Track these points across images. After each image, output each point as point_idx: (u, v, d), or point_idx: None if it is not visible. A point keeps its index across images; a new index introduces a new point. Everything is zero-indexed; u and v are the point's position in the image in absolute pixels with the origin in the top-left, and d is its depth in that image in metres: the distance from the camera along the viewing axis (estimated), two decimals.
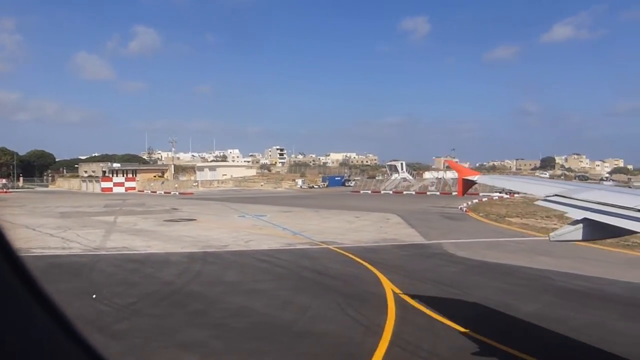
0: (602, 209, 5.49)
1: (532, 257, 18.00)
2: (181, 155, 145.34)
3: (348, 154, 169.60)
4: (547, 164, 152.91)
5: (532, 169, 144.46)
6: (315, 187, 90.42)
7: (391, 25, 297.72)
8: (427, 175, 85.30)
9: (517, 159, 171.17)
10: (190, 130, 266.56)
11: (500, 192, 62.90)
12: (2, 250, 1.21)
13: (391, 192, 72.78)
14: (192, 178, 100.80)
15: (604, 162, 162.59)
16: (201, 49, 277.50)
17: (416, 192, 70.46)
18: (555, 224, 29.05)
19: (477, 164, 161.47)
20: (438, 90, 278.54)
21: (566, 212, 5.97)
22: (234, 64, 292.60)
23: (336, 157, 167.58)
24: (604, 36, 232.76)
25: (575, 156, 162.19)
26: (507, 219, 32.31)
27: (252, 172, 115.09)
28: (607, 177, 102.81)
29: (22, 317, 1.18)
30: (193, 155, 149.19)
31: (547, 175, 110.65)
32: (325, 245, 20.69)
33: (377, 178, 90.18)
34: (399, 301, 11.66)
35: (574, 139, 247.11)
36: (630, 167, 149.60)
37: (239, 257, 18.15)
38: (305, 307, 11.26)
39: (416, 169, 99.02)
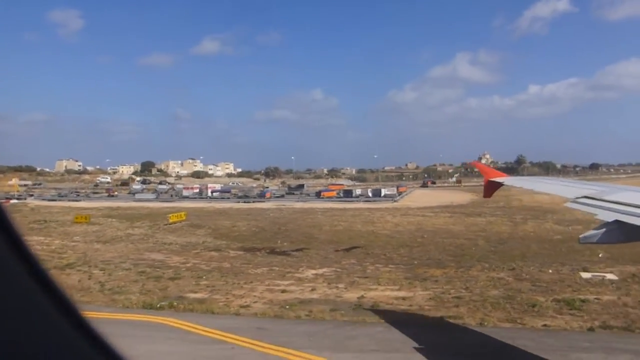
0: (635, 212, 5.21)
1: None
2: None
3: None
4: (145, 168, 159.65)
5: (132, 174, 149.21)
6: None
7: (40, 14, 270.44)
8: None
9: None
10: None
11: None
12: (17, 249, 1.16)
13: None
14: None
15: (216, 165, 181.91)
16: None
17: None
18: None
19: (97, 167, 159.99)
20: (89, 89, 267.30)
21: (596, 215, 5.70)
22: None
23: None
24: (245, 53, 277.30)
25: (191, 160, 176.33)
26: None
27: None
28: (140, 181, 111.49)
29: (37, 318, 1.14)
30: None
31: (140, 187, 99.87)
32: None
33: None
34: None
35: (221, 144, 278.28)
36: (239, 169, 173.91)
37: None
38: None
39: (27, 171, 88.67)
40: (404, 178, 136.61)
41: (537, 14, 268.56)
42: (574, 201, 6.70)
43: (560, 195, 7.42)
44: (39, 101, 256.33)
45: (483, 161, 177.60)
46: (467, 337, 11.86)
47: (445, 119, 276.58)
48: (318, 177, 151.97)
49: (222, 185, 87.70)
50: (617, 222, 5.31)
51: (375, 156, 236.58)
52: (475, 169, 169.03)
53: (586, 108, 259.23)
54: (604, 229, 5.39)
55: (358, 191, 69.10)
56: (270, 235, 32.95)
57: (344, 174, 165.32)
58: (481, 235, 31.37)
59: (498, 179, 10.19)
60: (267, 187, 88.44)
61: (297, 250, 26.99)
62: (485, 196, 11.04)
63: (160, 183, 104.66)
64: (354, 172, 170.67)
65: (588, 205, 6.28)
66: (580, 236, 5.73)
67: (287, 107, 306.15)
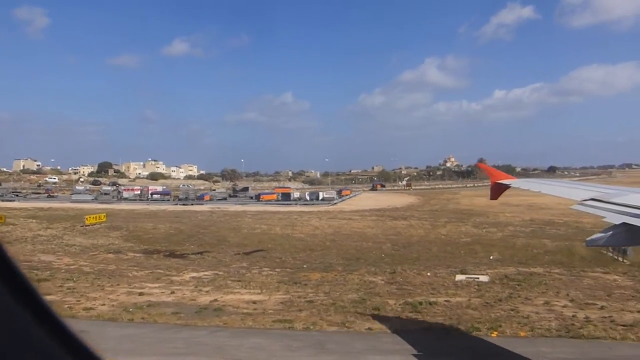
0: None
1: None
2: None
3: None
4: (102, 168, 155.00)
5: (89, 174, 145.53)
6: None
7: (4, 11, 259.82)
8: None
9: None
10: None
11: None
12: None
13: None
14: None
15: (179, 167, 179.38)
16: None
17: None
18: None
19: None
20: (55, 89, 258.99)
21: (604, 217, 5.64)
22: None
23: None
24: (216, 55, 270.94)
25: (153, 162, 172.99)
26: None
27: None
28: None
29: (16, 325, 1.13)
30: None
31: (83, 188, 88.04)
32: None
33: None
34: None
35: (190, 146, 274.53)
36: (202, 172, 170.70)
37: None
38: None
39: None
40: (353, 182, 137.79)
41: (502, 21, 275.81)
42: (581, 203, 6.57)
43: (567, 198, 7.27)
44: (1, 100, 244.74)
45: (448, 164, 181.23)
46: (283, 340, 11.97)
47: (414, 123, 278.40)
48: (278, 179, 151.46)
49: (164, 187, 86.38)
50: (624, 224, 5.17)
51: (327, 159, 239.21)
52: (439, 168, 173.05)
53: (549, 112, 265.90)
54: (610, 232, 5.27)
55: (296, 194, 69.14)
56: (183, 238, 32.63)
57: (308, 176, 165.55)
58: (392, 239, 31.85)
59: (505, 181, 10.04)
60: (214, 190, 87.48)
61: (198, 253, 26.82)
62: (492, 198, 10.93)
63: (110, 184, 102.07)
64: (318, 175, 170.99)
65: (595, 207, 6.13)
66: (587, 239, 5.58)
67: (257, 109, 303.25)
